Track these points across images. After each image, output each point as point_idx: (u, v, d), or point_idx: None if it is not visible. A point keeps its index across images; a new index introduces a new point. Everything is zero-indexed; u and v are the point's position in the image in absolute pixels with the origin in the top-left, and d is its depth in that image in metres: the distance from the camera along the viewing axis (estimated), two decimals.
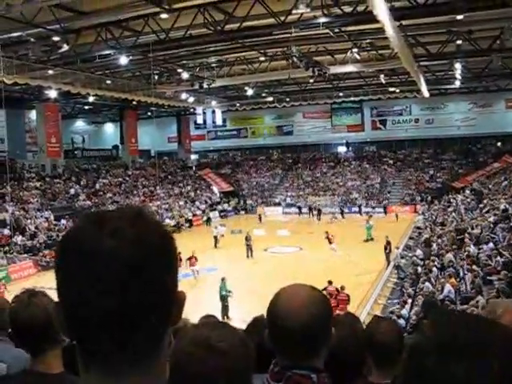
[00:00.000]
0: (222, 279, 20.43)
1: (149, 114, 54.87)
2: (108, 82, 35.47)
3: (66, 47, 24.28)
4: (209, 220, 45.25)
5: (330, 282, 18.74)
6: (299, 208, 49.72)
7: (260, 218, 45.25)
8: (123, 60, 27.57)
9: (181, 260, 25.64)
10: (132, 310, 0.97)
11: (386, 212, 46.82)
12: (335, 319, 2.73)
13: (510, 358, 0.83)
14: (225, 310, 19.53)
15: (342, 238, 32.17)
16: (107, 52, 26.63)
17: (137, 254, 0.98)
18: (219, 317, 18.55)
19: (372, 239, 33.07)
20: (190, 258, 25.76)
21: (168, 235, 1.08)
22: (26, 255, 29.62)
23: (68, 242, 1.03)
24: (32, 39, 24.58)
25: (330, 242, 30.34)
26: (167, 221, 43.06)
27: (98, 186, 45.81)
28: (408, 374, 0.92)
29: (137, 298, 0.97)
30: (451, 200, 40.09)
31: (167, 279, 1.03)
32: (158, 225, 1.08)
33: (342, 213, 46.52)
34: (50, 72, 30.03)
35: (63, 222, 35.97)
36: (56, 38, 24.21)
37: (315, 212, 46.19)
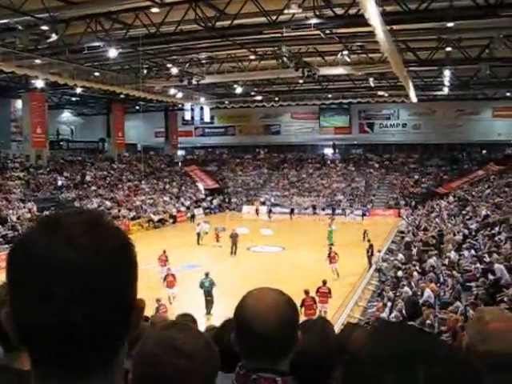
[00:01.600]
0: (206, 274, 20.40)
1: (137, 107, 54.60)
2: (96, 74, 35.20)
3: (54, 37, 23.99)
4: (193, 217, 45.20)
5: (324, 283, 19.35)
6: (292, 210, 48.65)
7: (257, 212, 45.79)
8: (112, 52, 27.35)
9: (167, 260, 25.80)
10: (87, 322, 0.92)
11: (363, 216, 45.88)
12: (306, 323, 2.72)
13: (437, 370, 0.86)
14: (209, 305, 19.48)
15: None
16: (96, 44, 26.39)
17: (93, 265, 0.93)
18: (203, 313, 18.69)
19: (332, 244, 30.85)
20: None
21: (127, 243, 1.03)
22: (6, 246, 29.35)
23: (20, 250, 0.97)
24: (20, 27, 24.28)
25: (331, 262, 25.59)
26: (152, 216, 43.02)
27: (82, 179, 45.50)
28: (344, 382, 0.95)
29: (92, 311, 0.92)
30: (435, 206, 40.31)
31: (125, 289, 0.99)
32: (117, 232, 1.03)
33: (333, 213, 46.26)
34: (38, 61, 29.74)
35: (46, 213, 35.71)
36: (44, 27, 23.94)
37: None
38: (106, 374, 0.99)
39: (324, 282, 19.22)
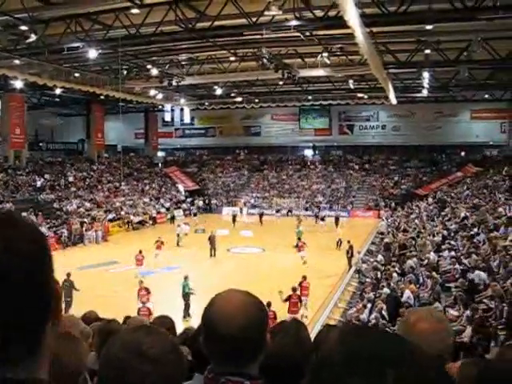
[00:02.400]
0: (185, 277, 20.38)
1: (116, 109, 54.28)
2: (76, 74, 34.98)
3: (33, 37, 23.79)
4: (173, 218, 45.06)
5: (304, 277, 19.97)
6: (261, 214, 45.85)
7: (241, 210, 46.05)
8: (92, 53, 27.19)
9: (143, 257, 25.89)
10: (3, 315, 0.99)
11: (337, 223, 41.30)
12: (280, 325, 2.72)
13: (405, 372, 0.86)
14: (186, 308, 19.50)
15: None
16: (76, 44, 26.20)
17: (4, 261, 0.99)
18: (181, 314, 18.66)
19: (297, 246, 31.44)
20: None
21: (41, 240, 1.09)
22: None
23: None
24: None
25: (300, 250, 28.86)
26: (131, 217, 42.80)
27: (61, 180, 45.14)
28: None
29: (7, 303, 0.99)
30: (414, 207, 40.61)
31: (39, 282, 1.05)
32: (29, 229, 1.09)
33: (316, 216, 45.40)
34: (17, 62, 29.48)
35: (25, 214, 35.37)
36: (24, 28, 23.73)
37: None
38: (30, 361, 1.05)
39: (304, 277, 20.00)
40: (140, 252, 26.07)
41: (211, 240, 30.86)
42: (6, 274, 0.99)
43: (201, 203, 52.76)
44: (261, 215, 44.56)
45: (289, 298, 18.10)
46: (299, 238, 31.31)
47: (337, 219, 41.38)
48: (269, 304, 16.37)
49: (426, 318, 2.17)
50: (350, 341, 0.95)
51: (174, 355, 1.48)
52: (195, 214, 46.05)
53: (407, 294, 17.09)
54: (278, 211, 46.62)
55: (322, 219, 39.79)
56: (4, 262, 0.99)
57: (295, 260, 27.91)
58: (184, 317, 19.10)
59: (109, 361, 1.44)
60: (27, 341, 1.05)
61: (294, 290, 18.56)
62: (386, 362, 0.87)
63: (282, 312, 16.77)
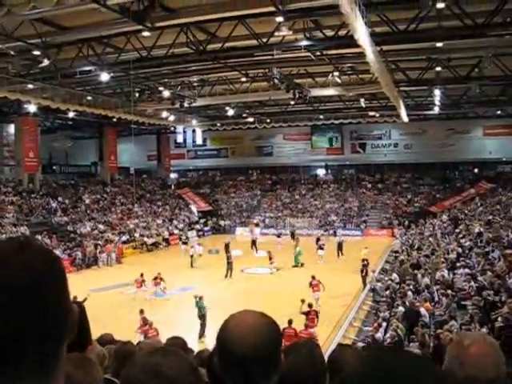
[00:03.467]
0: (200, 298, 20.28)
1: (129, 131, 54.67)
2: (88, 98, 35.39)
3: (46, 62, 24.13)
4: (186, 242, 45.00)
5: (310, 306, 19.07)
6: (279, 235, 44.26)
7: (252, 231, 45.78)
8: (104, 76, 27.52)
9: (144, 281, 25.89)
10: (21, 332, 1.03)
11: (340, 249, 37.28)
12: (294, 344, 2.70)
13: None
14: (202, 328, 19.38)
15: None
16: (88, 68, 26.55)
17: (23, 281, 1.05)
18: (196, 335, 18.57)
19: (302, 265, 32.65)
20: (155, 278, 26.32)
21: (55, 261, 1.15)
22: None
23: None
24: (12, 52, 24.44)
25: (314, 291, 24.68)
26: (145, 239, 42.90)
27: (75, 203, 45.38)
28: None
29: (20, 321, 1.03)
30: (428, 225, 40.38)
31: (55, 301, 1.10)
32: (45, 252, 1.15)
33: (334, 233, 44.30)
34: (30, 86, 29.90)
35: (39, 237, 35.57)
36: (36, 53, 24.10)
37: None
38: (42, 381, 1.08)
39: (313, 277, 21.63)
40: (141, 275, 26.10)
41: (229, 259, 31.02)
42: (21, 292, 1.04)
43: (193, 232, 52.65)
44: (278, 236, 43.14)
45: (307, 313, 18.40)
46: (301, 265, 32.50)
47: (340, 246, 36.66)
48: (290, 322, 16.54)
49: (481, 342, 2.14)
50: (369, 362, 0.96)
51: (192, 377, 1.47)
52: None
53: (423, 312, 16.96)
54: (278, 236, 42.80)
55: (321, 248, 34.91)
56: (20, 280, 1.05)
57: (308, 279, 27.76)
58: (199, 337, 19.01)
59: (128, 382, 1.44)
60: (38, 359, 1.06)
61: (310, 306, 18.86)
62: (406, 377, 0.88)
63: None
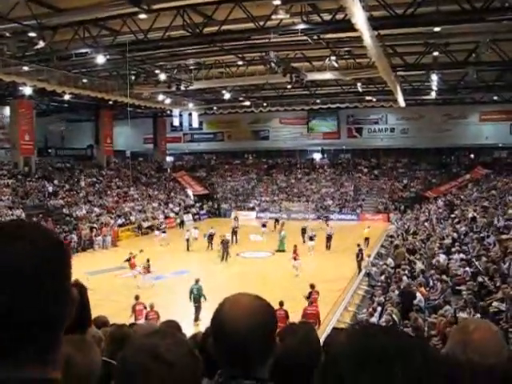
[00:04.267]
0: (196, 281, 20.34)
1: (125, 114, 54.47)
2: (84, 80, 35.18)
3: (41, 44, 23.92)
4: (182, 223, 45.09)
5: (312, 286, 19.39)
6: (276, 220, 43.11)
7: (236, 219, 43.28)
8: (100, 59, 27.36)
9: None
10: (21, 320, 1.06)
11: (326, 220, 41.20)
12: (290, 327, 2.71)
13: (414, 369, 0.88)
14: (197, 311, 19.45)
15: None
16: (84, 50, 26.40)
17: (24, 266, 1.07)
18: (190, 319, 18.64)
19: (283, 251, 32.35)
20: (128, 259, 26.44)
21: (59, 245, 1.18)
22: None
23: None
24: (7, 34, 24.25)
25: (295, 259, 27.28)
26: (141, 223, 42.92)
27: (71, 186, 45.29)
28: (321, 381, 0.96)
29: (22, 303, 1.06)
30: (424, 210, 40.46)
31: (57, 284, 1.13)
32: (51, 236, 1.18)
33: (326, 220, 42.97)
34: (25, 68, 29.68)
35: (34, 220, 35.51)
36: (32, 34, 23.89)
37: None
38: (41, 362, 1.10)
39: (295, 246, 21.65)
40: (132, 255, 26.22)
41: (223, 244, 30.87)
42: (30, 275, 1.07)
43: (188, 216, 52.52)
44: (263, 225, 39.66)
45: (310, 295, 18.94)
46: (282, 251, 32.37)
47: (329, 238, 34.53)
48: (281, 303, 16.65)
49: (485, 328, 2.15)
50: (358, 339, 0.96)
51: (190, 359, 1.48)
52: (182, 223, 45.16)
53: (418, 296, 17.05)
54: (264, 226, 39.12)
55: (311, 238, 33.00)
56: (29, 263, 1.07)
57: (304, 264, 27.82)
58: (195, 320, 19.08)
59: (125, 365, 1.44)
60: (38, 348, 1.09)
61: (312, 286, 19.33)
62: (394, 357, 0.89)
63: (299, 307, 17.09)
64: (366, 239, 33.35)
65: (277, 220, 41.99)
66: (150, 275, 25.44)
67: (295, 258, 27.00)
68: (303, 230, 36.11)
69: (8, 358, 1.06)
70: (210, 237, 33.58)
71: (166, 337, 1.50)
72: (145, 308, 18.12)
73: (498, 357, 2.06)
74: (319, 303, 19.01)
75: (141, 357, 1.41)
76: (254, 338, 1.71)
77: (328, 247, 33.96)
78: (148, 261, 25.97)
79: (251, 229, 39.40)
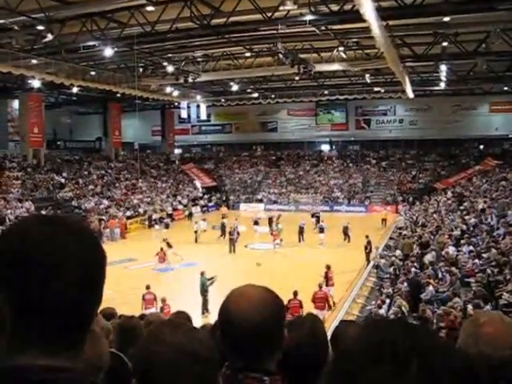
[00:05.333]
0: (202, 273, 20.41)
1: (133, 106, 54.52)
2: (92, 73, 35.23)
3: (50, 37, 23.95)
4: (190, 215, 45.14)
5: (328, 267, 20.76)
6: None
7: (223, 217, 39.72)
8: (108, 52, 27.32)
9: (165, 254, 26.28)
10: (84, 305, 1.14)
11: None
12: (296, 320, 2.69)
13: (430, 361, 0.86)
14: (205, 303, 19.51)
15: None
16: (92, 43, 26.36)
17: (93, 257, 1.19)
18: (199, 310, 18.71)
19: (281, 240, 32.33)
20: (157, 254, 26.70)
21: (99, 243, 1.26)
22: None
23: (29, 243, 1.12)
24: (16, 27, 24.27)
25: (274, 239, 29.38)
26: (153, 215, 43.01)
27: (79, 178, 45.43)
28: (333, 377, 0.94)
29: (79, 294, 1.12)
30: (432, 201, 40.31)
31: (101, 279, 1.22)
32: (94, 236, 1.27)
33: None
34: (34, 61, 29.74)
35: (43, 212, 35.64)
36: (40, 27, 23.95)
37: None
38: (77, 351, 1.16)
39: (320, 286, 18.75)
40: (161, 249, 26.45)
41: (231, 234, 30.94)
42: (93, 269, 1.17)
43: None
44: (255, 223, 37.14)
45: (326, 275, 20.58)
46: (272, 234, 32.74)
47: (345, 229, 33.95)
48: (295, 293, 16.93)
49: (497, 321, 2.13)
50: (372, 333, 0.95)
51: (216, 353, 1.49)
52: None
53: (430, 288, 17.04)
54: (256, 223, 36.97)
55: (321, 231, 32.98)
56: (93, 257, 1.18)
57: (312, 255, 27.83)
58: (203, 312, 19.15)
59: (158, 362, 1.43)
60: (82, 331, 1.17)
61: (328, 267, 20.98)
62: (411, 350, 0.87)
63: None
64: (383, 220, 38.70)
65: (270, 219, 37.99)
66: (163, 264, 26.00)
67: (327, 284, 20.61)
68: (315, 216, 36.58)
69: (52, 345, 1.11)
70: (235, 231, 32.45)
71: (193, 332, 1.49)
72: (155, 299, 18.37)
73: (509, 350, 2.04)
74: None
75: (175, 354, 1.39)
76: (262, 331, 1.70)
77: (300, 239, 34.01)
78: (162, 249, 26.23)
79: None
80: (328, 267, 20.92)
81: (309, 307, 17.11)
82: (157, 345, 1.46)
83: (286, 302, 15.72)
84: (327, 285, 20.08)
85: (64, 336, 1.12)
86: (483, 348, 1.88)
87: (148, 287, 18.93)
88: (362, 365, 0.88)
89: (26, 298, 1.08)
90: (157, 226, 38.40)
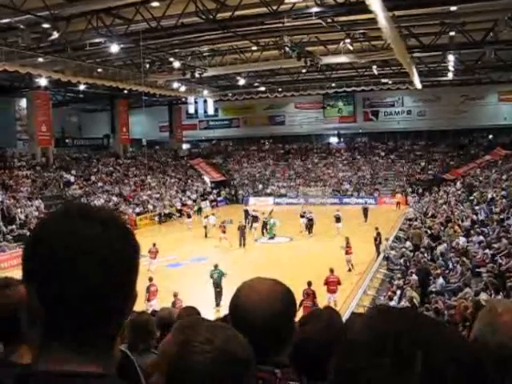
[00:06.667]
0: (215, 266, 20.45)
1: (140, 102, 54.56)
2: (99, 70, 35.25)
3: (55, 35, 23.97)
4: (200, 210, 45.14)
5: (331, 271, 19.54)
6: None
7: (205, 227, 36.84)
8: (114, 48, 27.36)
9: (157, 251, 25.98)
10: (109, 298, 1.09)
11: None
12: (313, 312, 2.68)
13: (435, 352, 0.85)
14: (218, 296, 19.49)
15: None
16: (98, 40, 26.41)
17: (123, 250, 1.14)
18: (213, 304, 18.75)
19: (273, 237, 32.90)
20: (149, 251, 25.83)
21: (136, 241, 1.20)
22: (15, 244, 29.45)
23: (54, 232, 1.10)
24: (21, 26, 24.29)
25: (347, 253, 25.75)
26: (164, 210, 43.07)
27: (88, 175, 45.55)
28: (339, 371, 0.93)
29: (111, 286, 1.10)
30: (442, 192, 40.16)
31: (133, 278, 1.19)
32: (126, 225, 1.21)
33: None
34: (40, 60, 29.80)
35: (53, 210, 35.70)
36: (46, 25, 23.96)
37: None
38: (109, 349, 1.13)
39: (331, 271, 19.46)
40: (154, 245, 26.12)
41: (241, 230, 30.94)
42: (121, 262, 1.13)
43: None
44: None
45: (347, 246, 23.80)
46: (266, 229, 33.36)
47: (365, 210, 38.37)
48: (309, 283, 17.20)
49: None
50: (376, 325, 0.93)
51: (252, 354, 1.40)
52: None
53: (440, 280, 17.02)
54: (247, 213, 37.09)
55: (338, 220, 33.08)
56: (122, 249, 1.13)
57: (323, 248, 27.80)
58: (216, 305, 19.17)
59: (199, 365, 1.28)
60: (113, 329, 1.14)
61: (347, 240, 24.15)
62: (415, 342, 0.85)
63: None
64: (398, 203, 43.51)
65: (254, 217, 36.14)
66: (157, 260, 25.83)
67: (347, 252, 24.46)
68: (305, 218, 34.52)
69: (83, 345, 1.08)
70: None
71: (228, 331, 1.41)
72: (157, 291, 18.68)
73: None
74: None
75: (215, 355, 1.29)
76: (272, 323, 1.70)
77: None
78: (154, 245, 26.01)
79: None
80: (347, 239, 24.61)
81: (322, 291, 18.01)
82: (200, 344, 1.33)
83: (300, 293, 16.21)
84: (347, 253, 24.20)
85: (94, 333, 1.08)
86: (501, 338, 1.85)
87: (151, 279, 19.11)
88: (366, 358, 0.87)
89: (58, 291, 1.05)
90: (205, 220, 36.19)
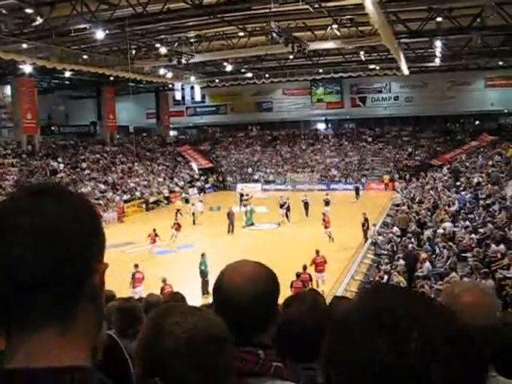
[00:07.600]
0: (202, 255, 20.46)
1: (127, 89, 54.24)
2: (85, 56, 34.94)
3: (39, 20, 23.69)
4: (187, 201, 44.83)
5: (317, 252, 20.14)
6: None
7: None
8: (99, 34, 27.07)
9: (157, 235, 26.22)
10: (62, 277, 1.02)
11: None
12: (298, 294, 2.69)
13: (430, 333, 0.84)
14: (205, 285, 19.52)
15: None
16: (83, 26, 26.12)
17: (79, 226, 1.08)
18: (198, 292, 18.76)
19: (252, 224, 33.02)
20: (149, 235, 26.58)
21: (95, 213, 1.16)
22: None
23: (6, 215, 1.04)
24: (4, 11, 23.99)
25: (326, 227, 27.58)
26: (150, 197, 42.97)
27: (75, 163, 45.27)
28: (331, 347, 0.91)
29: (62, 263, 1.02)
30: (429, 178, 40.35)
31: (88, 250, 1.11)
32: (87, 201, 1.17)
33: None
34: (24, 46, 29.43)
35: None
36: (29, 10, 23.62)
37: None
38: (66, 322, 1.05)
39: (317, 252, 20.16)
40: (154, 230, 26.31)
41: (229, 216, 30.96)
42: (77, 239, 1.06)
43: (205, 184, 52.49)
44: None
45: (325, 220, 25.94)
46: (251, 224, 32.84)
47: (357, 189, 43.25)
48: (304, 267, 17.79)
49: (472, 290, 2.12)
50: (370, 303, 0.91)
51: (229, 333, 1.45)
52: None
53: (427, 264, 17.12)
54: (242, 196, 38.13)
55: (327, 204, 33.32)
56: (79, 226, 1.07)
57: (311, 234, 27.85)
58: (203, 294, 19.19)
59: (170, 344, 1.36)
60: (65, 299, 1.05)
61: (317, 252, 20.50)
62: (410, 318, 0.84)
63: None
64: (386, 184, 46.39)
65: (241, 195, 38.30)
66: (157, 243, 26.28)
67: (326, 226, 27.50)
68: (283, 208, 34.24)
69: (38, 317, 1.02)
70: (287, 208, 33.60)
71: (197, 311, 1.46)
72: (143, 278, 18.85)
73: (488, 318, 2.03)
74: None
75: (190, 336, 1.35)
76: (255, 304, 1.71)
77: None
78: (154, 230, 26.42)
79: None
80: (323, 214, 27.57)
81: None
82: (170, 326, 1.39)
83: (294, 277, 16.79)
84: (326, 227, 26.77)
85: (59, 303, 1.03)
86: (463, 319, 1.85)
87: (136, 266, 19.30)
88: (360, 336, 0.85)
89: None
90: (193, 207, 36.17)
